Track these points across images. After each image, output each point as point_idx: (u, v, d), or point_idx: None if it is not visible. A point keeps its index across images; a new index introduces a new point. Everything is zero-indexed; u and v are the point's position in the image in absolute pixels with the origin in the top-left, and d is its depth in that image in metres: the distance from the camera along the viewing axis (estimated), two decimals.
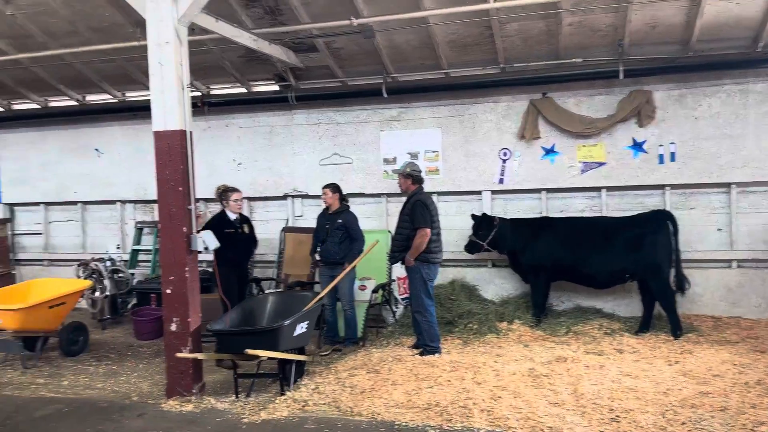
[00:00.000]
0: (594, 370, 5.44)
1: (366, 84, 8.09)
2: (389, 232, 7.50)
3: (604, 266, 6.89)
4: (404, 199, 6.45)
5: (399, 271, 7.28)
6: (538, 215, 7.73)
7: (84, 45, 7.36)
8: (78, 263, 8.41)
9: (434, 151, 8.06)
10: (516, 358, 5.93)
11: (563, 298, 7.67)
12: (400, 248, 6.29)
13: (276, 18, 6.98)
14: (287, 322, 5.12)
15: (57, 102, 9.43)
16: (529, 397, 4.85)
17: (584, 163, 7.62)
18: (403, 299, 7.58)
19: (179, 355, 5.09)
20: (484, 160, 7.91)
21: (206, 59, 7.68)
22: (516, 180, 7.84)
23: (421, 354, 6.05)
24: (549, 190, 7.77)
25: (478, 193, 7.99)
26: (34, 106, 9.49)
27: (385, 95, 7.82)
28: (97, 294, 8.07)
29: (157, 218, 9.04)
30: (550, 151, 7.71)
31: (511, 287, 7.85)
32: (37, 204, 9.84)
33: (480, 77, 7.71)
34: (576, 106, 7.58)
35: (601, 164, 7.57)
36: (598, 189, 7.61)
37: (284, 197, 8.74)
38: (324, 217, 6.97)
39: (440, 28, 6.99)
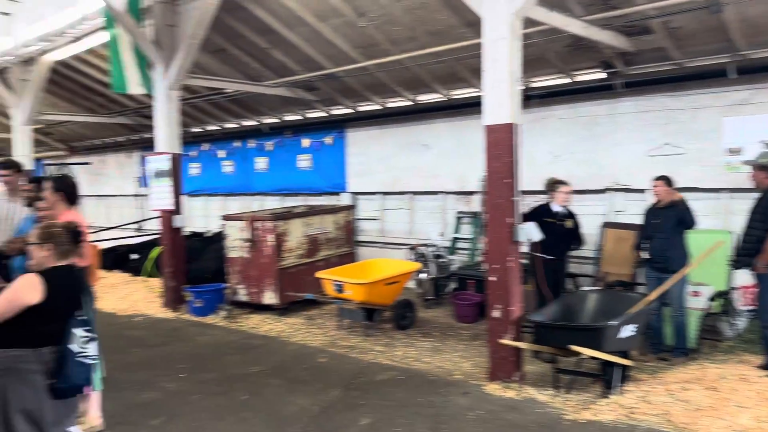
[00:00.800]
0: None
1: (707, 64, 7.18)
2: (731, 233, 6.57)
3: None
4: (756, 195, 5.57)
5: (744, 278, 6.31)
6: None
7: (420, 49, 8.09)
8: (409, 247, 9.31)
9: None
10: None
11: None
12: (747, 252, 5.47)
13: (606, 2, 6.64)
14: (615, 323, 4.86)
15: (393, 102, 10.55)
16: None
17: None
18: (747, 311, 6.57)
19: (502, 341, 5.24)
20: None
21: (529, 52, 7.65)
22: None
23: None
24: None
25: None
26: (375, 107, 10.76)
27: (733, 75, 6.84)
28: (422, 276, 8.81)
29: (475, 209, 9.55)
30: None
31: None
32: (374, 193, 11.16)
33: None
34: None
35: None
36: None
37: (603, 191, 8.33)
38: (652, 212, 6.42)
39: None
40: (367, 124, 11.05)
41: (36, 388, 3.26)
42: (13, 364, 3.24)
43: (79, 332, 3.35)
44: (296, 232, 8.84)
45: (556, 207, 6.87)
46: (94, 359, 3.46)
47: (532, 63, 8.12)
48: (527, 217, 5.92)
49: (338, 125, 11.49)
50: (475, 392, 5.25)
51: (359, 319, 7.42)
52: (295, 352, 6.71)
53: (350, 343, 7.03)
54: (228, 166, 13.68)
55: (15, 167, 6.03)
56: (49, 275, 3.34)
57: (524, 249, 6.42)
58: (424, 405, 5.00)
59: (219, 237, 10.78)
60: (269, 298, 8.48)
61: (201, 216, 14.08)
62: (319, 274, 7.73)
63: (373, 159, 11.02)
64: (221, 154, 13.79)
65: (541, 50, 7.80)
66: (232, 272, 8.90)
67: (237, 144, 13.42)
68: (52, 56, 11.13)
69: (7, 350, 3.25)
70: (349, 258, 9.87)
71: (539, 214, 6.58)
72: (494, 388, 5.27)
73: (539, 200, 7.20)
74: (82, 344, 3.35)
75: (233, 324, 8.10)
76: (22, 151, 11.80)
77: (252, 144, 13.09)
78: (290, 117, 12.28)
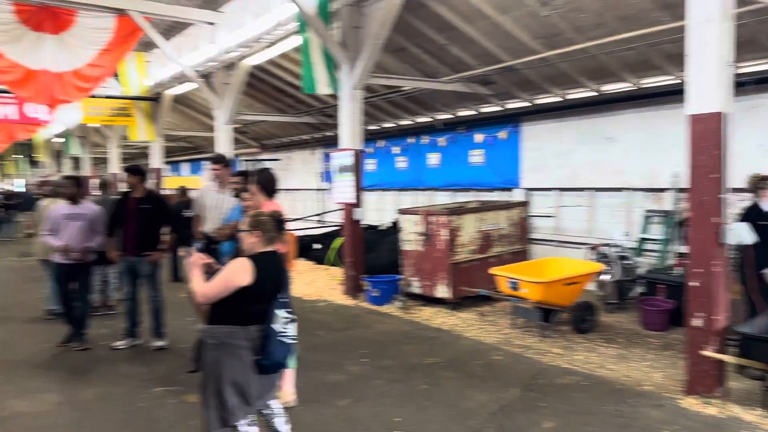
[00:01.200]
0: None
1: None
2: None
3: None
4: None
5: None
6: None
7: (609, 35, 7.60)
8: (590, 247, 8.83)
9: None
10: None
11: None
12: None
13: None
14: None
15: (574, 94, 10.05)
16: None
17: None
18: None
19: (704, 353, 4.75)
20: None
21: (739, 34, 6.83)
22: None
23: None
24: None
25: None
26: (554, 99, 10.34)
27: None
28: (605, 278, 8.30)
29: (667, 207, 8.78)
30: None
31: None
32: (550, 189, 10.75)
33: None
34: None
35: None
36: None
37: None
38: None
39: None
40: (544, 118, 10.66)
41: (244, 363, 3.57)
42: (225, 339, 3.59)
43: (281, 313, 3.61)
44: (469, 228, 8.81)
45: (766, 207, 6.09)
46: (293, 339, 3.71)
47: (742, 46, 7.24)
48: (740, 219, 5.32)
49: (513, 119, 11.23)
50: (670, 405, 4.83)
51: (535, 319, 7.20)
52: (469, 347, 6.70)
53: (525, 342, 6.84)
54: (401, 162, 14.05)
55: (224, 162, 6.72)
56: (257, 260, 3.64)
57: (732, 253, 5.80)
58: (611, 414, 4.70)
59: (393, 230, 11.14)
60: (442, 291, 8.56)
61: (375, 210, 14.62)
62: (493, 271, 7.62)
63: (550, 154, 10.62)
64: (395, 150, 14.20)
65: (752, 32, 6.96)
66: (406, 264, 9.11)
67: (411, 140, 13.72)
68: (250, 61, 12.23)
69: (221, 326, 3.61)
70: (522, 255, 9.62)
71: (751, 217, 5.87)
72: (692, 403, 4.81)
73: (743, 198, 6.43)
74: (284, 324, 3.62)
75: (407, 315, 8.30)
76: (224, 148, 13.11)
77: (425, 140, 13.30)
78: (464, 112, 12.28)
